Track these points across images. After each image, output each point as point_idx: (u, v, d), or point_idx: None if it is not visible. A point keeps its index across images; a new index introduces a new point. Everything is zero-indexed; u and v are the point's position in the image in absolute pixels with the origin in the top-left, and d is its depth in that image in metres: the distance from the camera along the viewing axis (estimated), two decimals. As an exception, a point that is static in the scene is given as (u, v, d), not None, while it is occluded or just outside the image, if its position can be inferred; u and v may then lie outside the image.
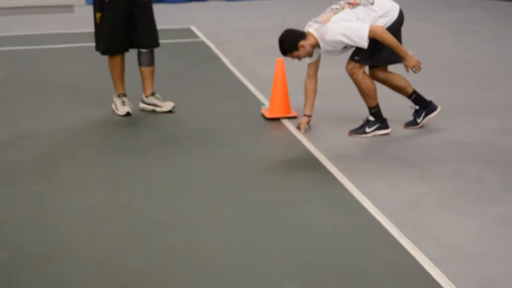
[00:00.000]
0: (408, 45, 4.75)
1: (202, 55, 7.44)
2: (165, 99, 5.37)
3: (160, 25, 5.69)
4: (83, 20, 8.73)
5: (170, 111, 5.28)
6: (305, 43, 4.50)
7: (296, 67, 5.43)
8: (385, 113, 4.70)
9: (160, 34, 5.37)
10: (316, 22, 4.52)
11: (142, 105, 5.38)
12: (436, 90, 5.53)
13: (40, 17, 9.76)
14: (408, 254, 3.05)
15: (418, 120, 4.77)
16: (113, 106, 5.31)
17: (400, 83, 4.71)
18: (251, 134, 4.78)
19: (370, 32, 4.37)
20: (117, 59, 5.22)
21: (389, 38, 4.40)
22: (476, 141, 4.53)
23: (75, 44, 8.08)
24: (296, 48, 4.51)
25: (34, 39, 8.52)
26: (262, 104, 5.40)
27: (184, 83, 6.24)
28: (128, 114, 5.22)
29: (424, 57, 5.23)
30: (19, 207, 3.64)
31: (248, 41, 8.30)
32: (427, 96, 4.83)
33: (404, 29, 4.61)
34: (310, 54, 4.59)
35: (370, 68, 4.70)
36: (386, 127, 4.68)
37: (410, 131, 4.76)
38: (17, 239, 3.27)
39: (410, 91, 4.73)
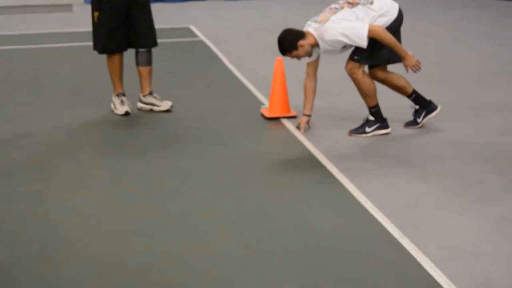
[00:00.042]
0: (408, 45, 4.75)
1: (202, 55, 7.44)
2: (164, 99, 5.36)
3: (159, 24, 5.70)
4: (82, 19, 8.72)
5: (168, 111, 5.27)
6: (304, 43, 4.49)
7: (296, 67, 5.42)
8: (385, 113, 4.69)
9: (159, 34, 5.36)
10: (315, 21, 4.52)
11: (140, 105, 5.37)
12: (435, 89, 5.53)
13: (39, 16, 9.76)
14: (408, 254, 3.04)
15: (418, 120, 4.77)
16: (112, 106, 5.30)
17: (399, 82, 4.71)
18: (250, 134, 4.78)
19: (370, 31, 4.36)
20: (116, 58, 5.21)
21: (389, 38, 4.39)
22: (476, 140, 4.53)
23: (74, 43, 8.07)
24: (295, 47, 4.50)
25: (33, 38, 8.51)
26: (262, 104, 5.40)
27: (183, 82, 6.24)
28: (127, 113, 5.21)
29: (424, 57, 5.22)
30: (18, 207, 3.63)
31: (247, 40, 8.29)
32: (427, 96, 4.83)
33: (403, 29, 4.61)
34: (309, 54, 4.59)
35: (370, 67, 4.69)
36: (386, 126, 4.67)
37: (410, 130, 4.75)
38: (16, 239, 3.27)
39: (410, 90, 4.73)
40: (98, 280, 2.89)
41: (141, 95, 5.36)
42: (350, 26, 4.39)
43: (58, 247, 3.18)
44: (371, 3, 4.47)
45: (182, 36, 8.54)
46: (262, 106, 5.27)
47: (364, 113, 4.76)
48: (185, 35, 8.64)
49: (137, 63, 5.29)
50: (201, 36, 8.44)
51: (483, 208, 3.51)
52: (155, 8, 5.34)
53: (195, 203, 3.64)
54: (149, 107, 5.33)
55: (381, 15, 4.46)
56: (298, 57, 4.59)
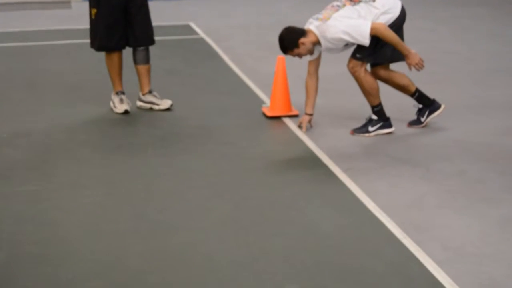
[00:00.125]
0: (411, 43, 4.71)
1: (202, 52, 7.40)
2: (164, 97, 5.33)
3: (159, 21, 5.66)
4: (81, 16, 8.69)
5: (168, 109, 5.24)
6: (305, 41, 4.45)
7: (298, 65, 5.39)
8: (388, 112, 4.66)
9: (158, 31, 5.33)
10: (317, 19, 4.48)
11: (139, 103, 5.34)
12: (439, 88, 5.49)
13: (37, 13, 9.73)
14: (411, 254, 3.03)
15: (422, 119, 4.73)
16: (111, 104, 5.27)
17: (402, 81, 4.67)
18: (251, 133, 4.75)
19: (372, 29, 4.32)
20: (115, 56, 5.18)
21: (391, 36, 4.35)
22: (479, 140, 4.50)
23: (73, 41, 8.02)
24: (296, 45, 4.46)
25: (31, 36, 8.47)
26: (263, 102, 5.36)
27: (183, 80, 6.20)
28: (126, 112, 5.17)
29: (427, 55, 5.20)
30: (16, 206, 3.61)
31: (248, 37, 8.25)
32: (430, 94, 4.79)
33: (406, 26, 4.58)
34: (311, 52, 4.55)
35: (372, 66, 4.66)
36: (389, 126, 4.64)
37: (414, 130, 4.72)
38: (14, 239, 3.25)
39: (412, 89, 4.69)
40: (97, 280, 2.87)
41: (140, 94, 5.33)
42: (352, 24, 4.35)
43: (57, 246, 3.16)
44: (374, 0, 4.44)
45: (182, 34, 8.50)
46: (263, 105, 5.24)
47: (366, 112, 4.72)
48: (185, 32, 8.60)
49: (135, 62, 5.26)
50: (201, 34, 8.39)
51: (487, 209, 3.50)
52: (154, 4, 5.30)
53: (195, 202, 3.63)
54: (148, 105, 5.30)
55: (383, 13, 4.43)
56: (300, 56, 4.55)
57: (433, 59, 6.24)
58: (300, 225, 3.34)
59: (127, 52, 5.30)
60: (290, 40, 4.48)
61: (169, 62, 6.84)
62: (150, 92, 5.30)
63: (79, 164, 4.19)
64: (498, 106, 5.24)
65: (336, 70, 5.58)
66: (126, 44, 5.18)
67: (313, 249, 3.10)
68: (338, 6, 4.47)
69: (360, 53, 4.48)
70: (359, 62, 4.50)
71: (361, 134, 4.61)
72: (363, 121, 4.68)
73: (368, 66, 4.62)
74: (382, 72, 4.65)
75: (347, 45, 4.50)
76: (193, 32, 8.61)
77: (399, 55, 4.49)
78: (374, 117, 4.62)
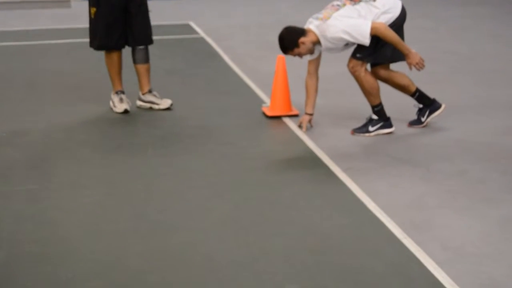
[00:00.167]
0: (411, 42, 4.70)
1: (202, 52, 7.39)
2: (164, 97, 5.32)
3: (159, 21, 5.65)
4: (80, 15, 8.68)
5: (168, 109, 5.24)
6: (305, 40, 4.44)
7: (298, 65, 5.38)
8: (388, 112, 4.65)
9: (158, 30, 5.33)
10: (317, 18, 4.47)
11: (139, 103, 5.33)
12: (439, 87, 5.49)
13: (36, 12, 9.72)
14: (411, 254, 3.03)
15: (422, 119, 4.72)
16: (111, 103, 5.26)
17: (402, 81, 4.66)
18: (251, 133, 4.74)
19: (372, 29, 4.32)
20: (114, 55, 5.18)
21: (392, 35, 4.35)
22: (480, 140, 4.50)
23: (72, 40, 8.01)
24: (296, 45, 4.46)
25: (30, 35, 8.47)
26: (263, 102, 5.36)
27: (183, 80, 6.20)
28: (126, 111, 5.17)
29: (427, 54, 5.19)
30: (16, 205, 3.60)
31: (248, 37, 8.25)
32: (431, 94, 4.79)
33: (406, 26, 4.57)
34: (311, 51, 4.54)
35: (372, 66, 4.65)
36: (390, 126, 4.63)
37: (414, 130, 4.72)
38: (14, 238, 3.25)
39: (413, 89, 4.68)
40: (97, 279, 2.87)
41: (140, 93, 5.32)
42: (352, 24, 4.35)
43: (57, 246, 3.16)
44: (374, 0, 4.43)
45: (181, 33, 8.49)
46: (263, 105, 5.23)
47: (367, 111, 4.71)
48: (184, 31, 8.60)
49: (134, 61, 5.25)
50: (201, 33, 8.39)
51: (487, 209, 3.49)
52: (154, 4, 5.29)
53: (195, 202, 3.62)
54: (148, 105, 5.29)
55: (384, 12, 4.42)
56: (300, 55, 4.55)
57: (433, 59, 6.24)
58: (300, 225, 3.33)
59: (127, 51, 5.29)
60: (290, 39, 4.47)
61: (169, 61, 6.83)
62: (150, 91, 5.30)
63: (79, 164, 4.18)
64: (499, 105, 5.23)
65: (336, 70, 5.58)
66: (125, 43, 5.17)
67: (313, 249, 3.09)
68: (338, 5, 4.46)
69: (360, 52, 4.47)
70: (359, 62, 4.50)
71: (361, 134, 4.60)
72: (363, 121, 4.68)
73: (368, 66, 4.62)
74: (382, 72, 4.64)
75: (347, 44, 4.49)
76: (193, 31, 8.61)
77: (399, 55, 4.48)
78: (375, 117, 4.61)
